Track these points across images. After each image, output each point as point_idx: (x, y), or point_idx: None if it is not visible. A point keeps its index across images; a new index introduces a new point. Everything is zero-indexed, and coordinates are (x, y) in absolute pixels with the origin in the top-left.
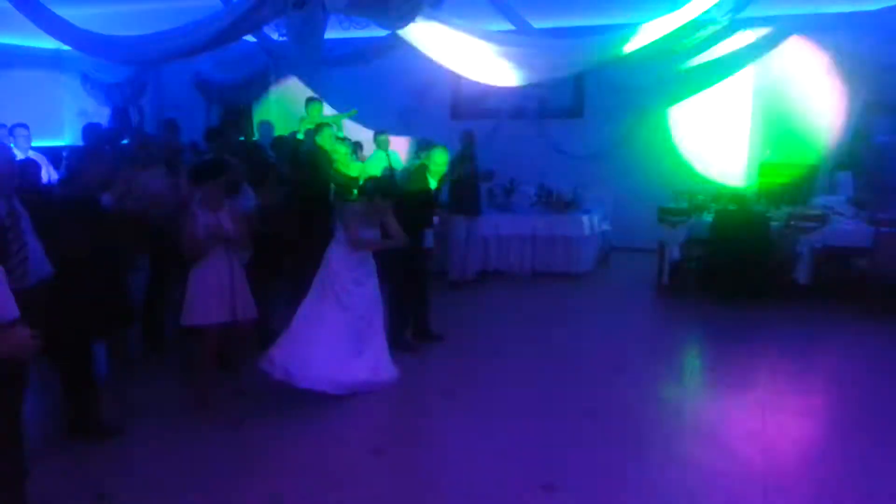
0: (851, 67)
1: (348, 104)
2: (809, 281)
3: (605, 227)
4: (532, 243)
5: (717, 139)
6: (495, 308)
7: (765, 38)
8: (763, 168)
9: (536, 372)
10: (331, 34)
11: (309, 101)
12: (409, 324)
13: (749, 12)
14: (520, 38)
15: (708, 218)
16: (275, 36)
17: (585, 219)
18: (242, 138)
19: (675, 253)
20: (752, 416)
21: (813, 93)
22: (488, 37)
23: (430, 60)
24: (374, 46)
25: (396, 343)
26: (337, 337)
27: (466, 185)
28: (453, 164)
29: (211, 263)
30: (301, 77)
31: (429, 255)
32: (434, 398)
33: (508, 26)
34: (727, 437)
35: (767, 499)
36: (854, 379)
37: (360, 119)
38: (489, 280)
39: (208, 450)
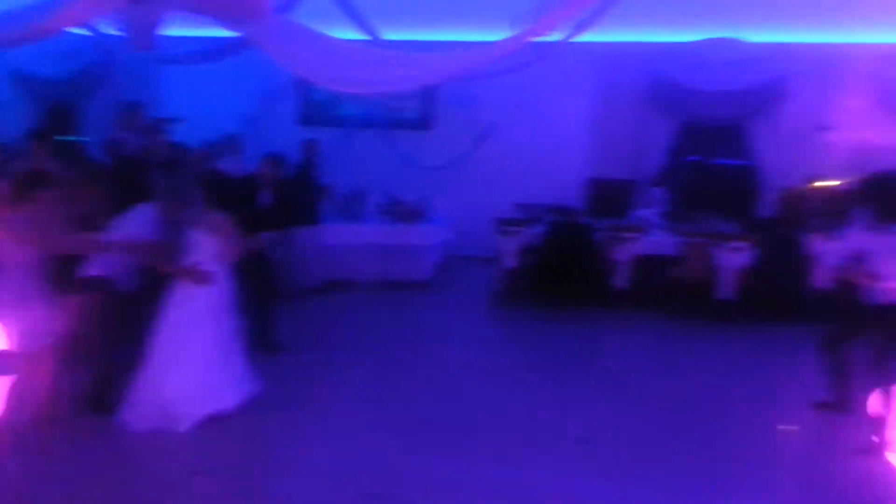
0: (667, 93)
1: (188, 106)
2: (627, 286)
3: (448, 236)
4: (377, 252)
5: (554, 154)
6: (338, 318)
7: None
8: (590, 183)
9: (376, 381)
10: (171, 31)
11: (128, 104)
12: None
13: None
14: (372, 48)
15: (541, 228)
16: (108, 30)
17: (430, 228)
18: (67, 139)
19: (511, 261)
20: (577, 410)
21: (635, 115)
22: (339, 45)
23: (278, 65)
24: (218, 47)
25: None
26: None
27: (305, 195)
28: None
29: None
30: (137, 75)
31: (274, 265)
32: (267, 412)
33: (361, 36)
34: (559, 435)
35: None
36: (664, 372)
37: (200, 123)
38: (334, 290)
39: None
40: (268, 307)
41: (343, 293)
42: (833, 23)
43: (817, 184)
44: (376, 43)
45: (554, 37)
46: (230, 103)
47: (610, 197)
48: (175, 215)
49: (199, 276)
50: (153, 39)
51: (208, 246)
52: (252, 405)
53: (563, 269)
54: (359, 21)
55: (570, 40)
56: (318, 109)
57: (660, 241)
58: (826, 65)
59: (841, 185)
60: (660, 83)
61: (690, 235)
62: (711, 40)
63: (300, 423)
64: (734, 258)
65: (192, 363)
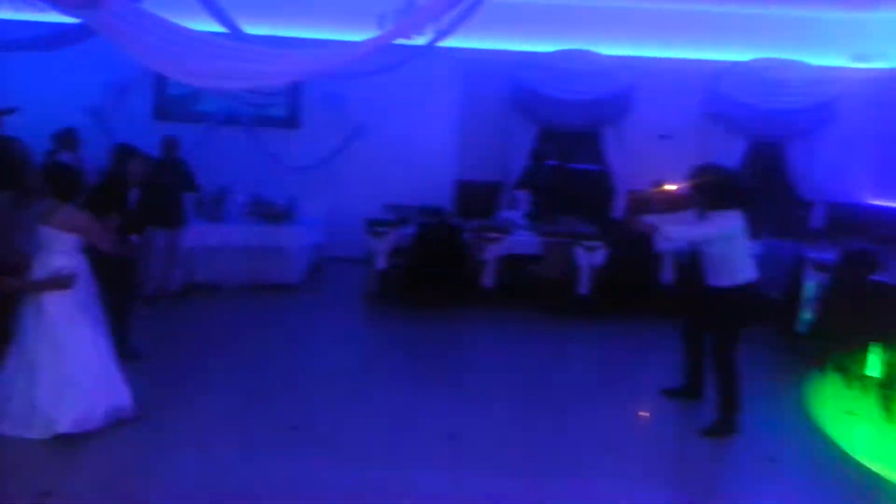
0: (526, 100)
1: (31, 96)
2: (494, 284)
3: (318, 238)
4: (243, 254)
5: (423, 156)
6: (201, 322)
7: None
8: (458, 185)
9: (242, 387)
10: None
11: None
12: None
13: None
14: (231, 42)
15: (411, 230)
16: None
17: (299, 229)
18: None
19: (382, 262)
20: (447, 408)
21: (499, 120)
22: (194, 37)
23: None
24: (59, 33)
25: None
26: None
27: (167, 194)
28: (154, 171)
29: None
30: None
31: (133, 267)
32: (127, 424)
33: (219, 28)
34: (431, 433)
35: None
36: (529, 365)
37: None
38: (195, 293)
39: None
40: (126, 312)
41: (207, 297)
42: (675, 40)
43: (660, 188)
44: (235, 36)
45: (419, 41)
46: (77, 94)
47: (477, 198)
48: (18, 209)
49: (57, 283)
50: None
51: (63, 243)
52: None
53: (432, 269)
54: (217, 13)
55: (436, 45)
56: (175, 104)
57: (524, 241)
58: (668, 78)
59: (679, 188)
60: (520, 90)
61: (551, 236)
62: (567, 51)
63: (162, 434)
64: (591, 256)
65: (60, 369)
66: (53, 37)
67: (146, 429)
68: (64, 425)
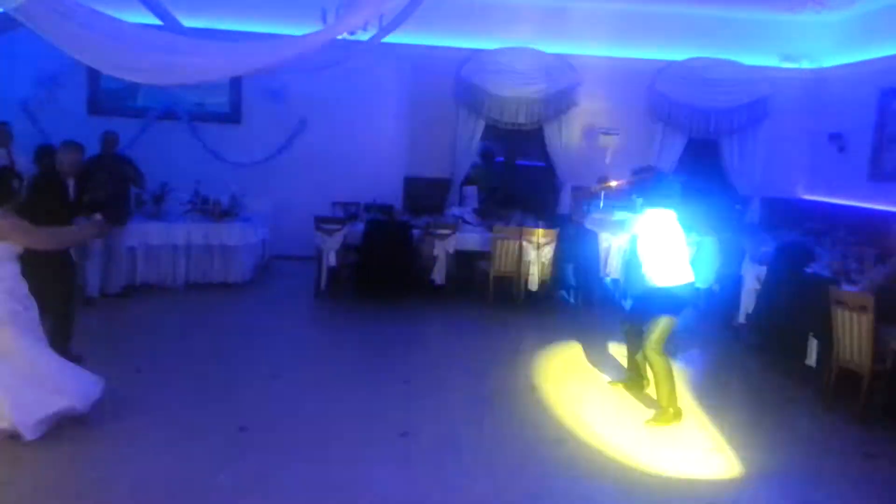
0: (472, 97)
1: None
2: (444, 280)
3: (265, 235)
4: (186, 253)
5: (370, 153)
6: (142, 324)
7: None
8: (407, 182)
9: (187, 388)
10: None
11: None
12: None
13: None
14: (167, 35)
15: (360, 227)
16: None
17: (244, 227)
18: None
19: (331, 259)
20: (398, 404)
21: (446, 117)
22: (127, 29)
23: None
24: None
25: None
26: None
27: (106, 191)
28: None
29: None
30: None
31: (73, 267)
32: (68, 429)
33: (154, 21)
34: (382, 430)
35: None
36: (478, 359)
37: None
38: (136, 294)
39: None
40: (66, 314)
41: (150, 298)
42: (616, 39)
43: (604, 184)
44: (172, 29)
45: (363, 36)
46: (5, 88)
47: (425, 195)
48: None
49: None
50: None
51: None
52: (55, 421)
53: (382, 266)
54: (151, 4)
55: (380, 41)
56: (110, 98)
57: (472, 237)
58: (610, 76)
59: (620, 183)
60: (466, 87)
61: (497, 231)
62: (511, 49)
63: (104, 436)
64: (538, 251)
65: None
66: None
67: (92, 431)
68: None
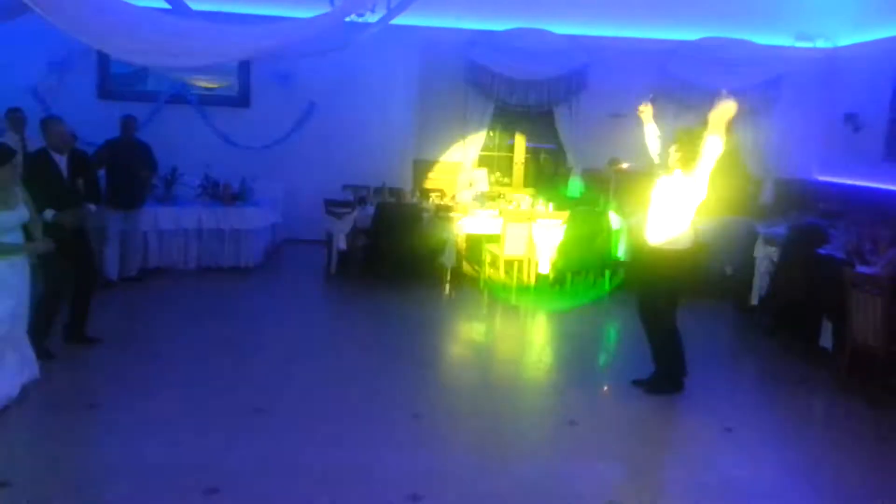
0: (481, 79)
1: None
2: (454, 263)
3: (276, 219)
4: (197, 237)
5: (380, 135)
6: (158, 307)
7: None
8: (416, 164)
9: (201, 370)
10: None
11: None
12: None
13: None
14: (175, 18)
15: (371, 210)
16: None
17: (254, 211)
18: None
19: (341, 243)
20: (410, 386)
21: (457, 100)
22: (134, 12)
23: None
24: None
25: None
26: None
27: (123, 175)
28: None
29: None
30: None
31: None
32: (81, 410)
33: (162, 4)
34: (393, 412)
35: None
36: (489, 343)
37: None
38: (150, 278)
39: None
40: (82, 296)
41: (163, 281)
42: (627, 19)
43: (616, 165)
44: (179, 12)
45: (371, 18)
46: (16, 73)
47: (435, 178)
48: None
49: None
50: None
51: None
52: (65, 402)
53: (393, 248)
54: None
55: (388, 23)
56: (120, 82)
57: (482, 220)
58: (621, 57)
59: (632, 166)
60: (475, 69)
61: (509, 214)
62: (520, 30)
63: (122, 419)
64: (550, 234)
65: None
66: None
67: (105, 414)
68: None
